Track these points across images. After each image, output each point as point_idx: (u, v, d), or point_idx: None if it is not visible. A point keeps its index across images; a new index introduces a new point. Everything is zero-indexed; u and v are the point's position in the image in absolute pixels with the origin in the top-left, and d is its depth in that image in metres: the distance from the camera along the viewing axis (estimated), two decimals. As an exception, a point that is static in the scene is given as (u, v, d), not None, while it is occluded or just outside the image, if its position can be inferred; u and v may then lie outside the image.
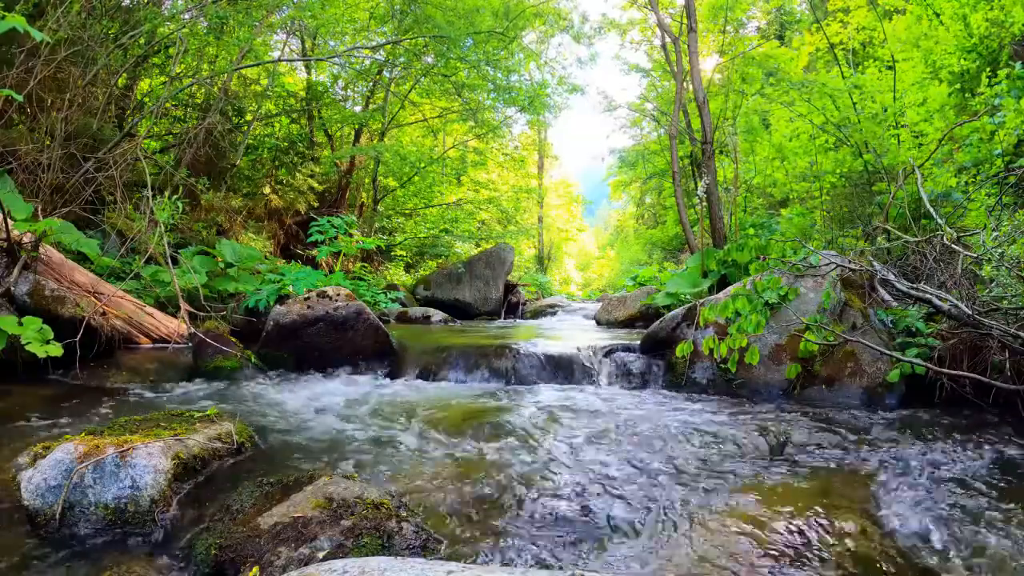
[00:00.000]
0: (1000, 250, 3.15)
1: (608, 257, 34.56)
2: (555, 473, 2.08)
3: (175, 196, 5.08)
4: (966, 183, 4.83)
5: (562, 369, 4.02)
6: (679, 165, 11.66)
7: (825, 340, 3.41)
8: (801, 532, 1.61)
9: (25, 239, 3.68)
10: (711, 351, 3.66)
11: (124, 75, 6.40)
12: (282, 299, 4.47)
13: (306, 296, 4.33)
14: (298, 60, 10.32)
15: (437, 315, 8.33)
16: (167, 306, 4.65)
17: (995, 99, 4.63)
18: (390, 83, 10.88)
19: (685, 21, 10.14)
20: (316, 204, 10.18)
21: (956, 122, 5.40)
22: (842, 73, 7.99)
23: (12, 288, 3.42)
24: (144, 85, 7.75)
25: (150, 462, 1.71)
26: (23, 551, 1.50)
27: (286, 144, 10.22)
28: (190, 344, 4.06)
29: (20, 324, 3.07)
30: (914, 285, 3.41)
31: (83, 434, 1.86)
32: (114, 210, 5.28)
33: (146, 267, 4.90)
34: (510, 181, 19.60)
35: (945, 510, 1.78)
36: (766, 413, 3.01)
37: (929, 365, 3.02)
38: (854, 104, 5.98)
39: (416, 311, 8.44)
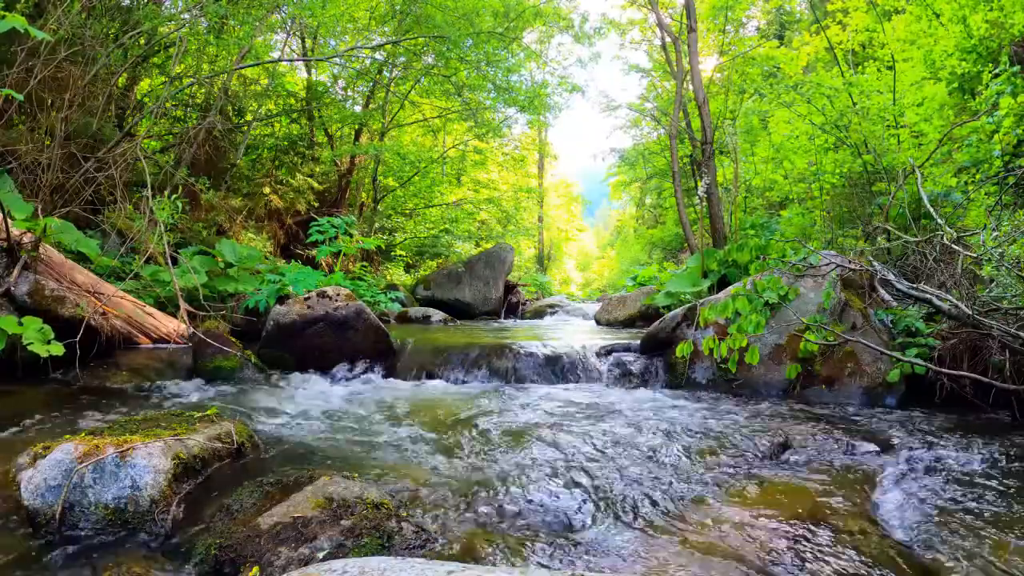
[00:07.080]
0: (1000, 250, 3.15)
1: (608, 257, 34.54)
2: (555, 473, 2.08)
3: (175, 196, 5.08)
4: (966, 183, 4.83)
5: (562, 369, 4.02)
6: (679, 165, 11.66)
7: (825, 340, 3.41)
8: (801, 532, 1.61)
9: (25, 239, 3.67)
10: (711, 351, 3.67)
11: (124, 75, 6.39)
12: (282, 299, 4.47)
13: (306, 296, 4.33)
14: (298, 60, 10.31)
15: (437, 315, 8.33)
16: (167, 306, 4.64)
17: (994, 97, 4.62)
18: (390, 83, 10.87)
19: (685, 21, 10.15)
20: (316, 204, 10.16)
21: (956, 122, 5.40)
22: (842, 73, 7.99)
23: (12, 288, 3.42)
24: (144, 85, 7.73)
25: (150, 462, 1.71)
26: (23, 551, 1.50)
27: (286, 144, 10.21)
28: (190, 344, 4.06)
29: (20, 324, 3.07)
30: (914, 285, 3.41)
31: (83, 434, 1.86)
32: (114, 210, 5.27)
33: (146, 267, 4.90)
34: (510, 181, 19.59)
35: (945, 510, 1.78)
36: (766, 413, 3.01)
37: (929, 365, 3.03)
38: (854, 104, 5.98)
39: (416, 311, 8.44)
